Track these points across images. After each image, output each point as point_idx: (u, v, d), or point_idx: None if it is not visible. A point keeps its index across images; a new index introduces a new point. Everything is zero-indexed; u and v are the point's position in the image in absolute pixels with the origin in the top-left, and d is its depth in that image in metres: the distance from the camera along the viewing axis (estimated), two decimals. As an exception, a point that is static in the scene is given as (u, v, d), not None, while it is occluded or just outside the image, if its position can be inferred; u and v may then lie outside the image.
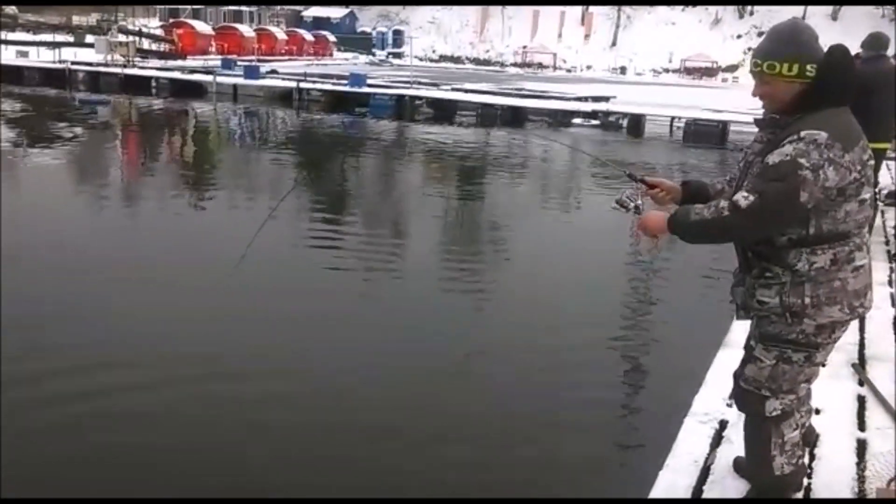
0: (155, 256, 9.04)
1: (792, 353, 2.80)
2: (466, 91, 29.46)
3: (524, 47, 62.80)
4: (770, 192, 2.51)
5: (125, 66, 33.29)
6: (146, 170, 16.49)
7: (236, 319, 7.14)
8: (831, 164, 2.51)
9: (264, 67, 34.11)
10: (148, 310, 7.23)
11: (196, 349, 6.48)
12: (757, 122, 2.85)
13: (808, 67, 2.61)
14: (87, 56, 35.62)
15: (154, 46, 43.23)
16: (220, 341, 6.66)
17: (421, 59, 59.38)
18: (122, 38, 36.90)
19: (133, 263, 8.66)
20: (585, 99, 27.81)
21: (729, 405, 3.95)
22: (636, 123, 25.00)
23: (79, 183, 14.51)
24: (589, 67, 60.18)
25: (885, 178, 11.76)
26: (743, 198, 2.53)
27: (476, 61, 63.33)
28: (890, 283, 6.37)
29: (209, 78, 31.33)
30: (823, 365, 2.93)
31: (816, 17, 52.18)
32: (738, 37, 62.73)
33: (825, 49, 2.64)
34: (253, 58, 41.99)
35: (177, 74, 32.51)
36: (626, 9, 61.62)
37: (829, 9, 58.35)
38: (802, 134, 2.53)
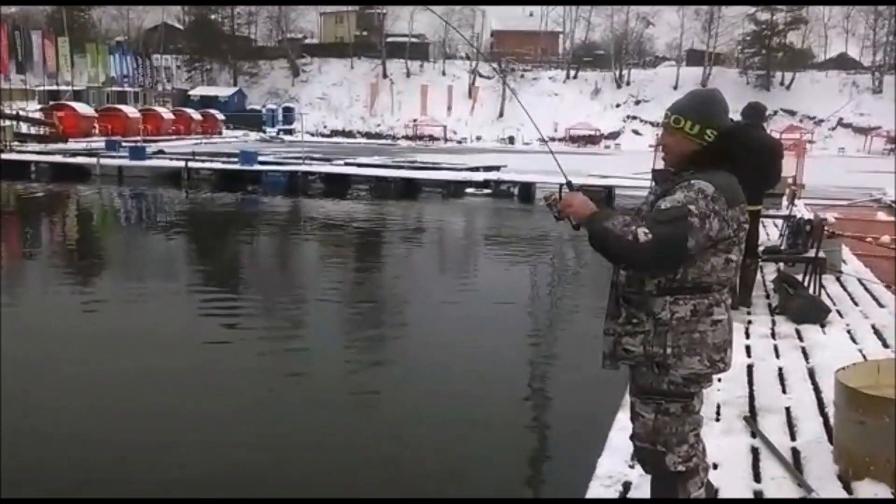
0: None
1: (667, 404, 2.88)
2: (359, 165, 29.62)
3: (414, 120, 64.05)
4: (662, 234, 2.63)
5: (1, 151, 31.98)
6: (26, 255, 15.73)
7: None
8: (716, 215, 2.69)
9: (150, 148, 33.42)
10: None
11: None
12: (654, 172, 3.00)
13: (708, 132, 2.80)
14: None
15: (33, 130, 41.85)
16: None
17: (312, 135, 59.59)
18: (-1, 122, 35.63)
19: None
20: (477, 169, 28.44)
21: (631, 466, 3.99)
22: (527, 191, 25.64)
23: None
24: (478, 138, 61.83)
25: (762, 236, 12.37)
26: (643, 233, 2.63)
27: (368, 135, 64.10)
28: (773, 335, 6.65)
29: (93, 160, 30.41)
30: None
31: (689, 84, 55.41)
32: (617, 105, 66.02)
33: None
34: (139, 138, 41.12)
35: (58, 158, 31.40)
36: (511, 81, 63.94)
37: (699, 76, 62.28)
38: (692, 182, 2.71)
